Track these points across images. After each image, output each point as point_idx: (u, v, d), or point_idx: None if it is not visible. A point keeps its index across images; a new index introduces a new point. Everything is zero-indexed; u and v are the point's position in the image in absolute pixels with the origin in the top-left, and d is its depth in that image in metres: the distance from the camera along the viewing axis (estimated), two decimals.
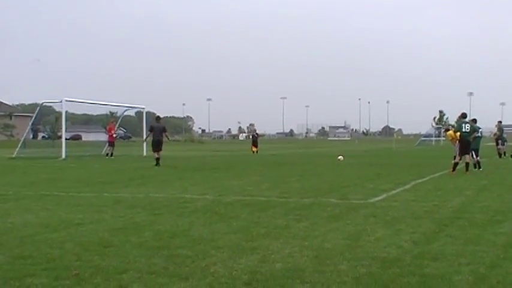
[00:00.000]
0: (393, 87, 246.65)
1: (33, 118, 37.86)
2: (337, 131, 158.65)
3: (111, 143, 31.07)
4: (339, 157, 27.25)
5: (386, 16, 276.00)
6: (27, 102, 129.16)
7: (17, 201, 10.90)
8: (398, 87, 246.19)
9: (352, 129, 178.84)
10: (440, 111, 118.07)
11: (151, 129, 23.55)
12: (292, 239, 6.99)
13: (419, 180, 15.05)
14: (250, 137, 48.50)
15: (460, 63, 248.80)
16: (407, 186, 13.45)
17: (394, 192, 12.27)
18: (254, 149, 37.94)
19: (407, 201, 10.69)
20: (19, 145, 32.25)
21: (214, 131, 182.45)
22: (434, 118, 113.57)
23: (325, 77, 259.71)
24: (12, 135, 61.75)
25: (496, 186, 13.70)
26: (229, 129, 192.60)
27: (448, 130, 26.50)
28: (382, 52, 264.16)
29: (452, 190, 12.58)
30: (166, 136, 23.33)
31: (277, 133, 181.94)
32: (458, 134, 18.25)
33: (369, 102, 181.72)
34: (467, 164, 17.83)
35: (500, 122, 31.29)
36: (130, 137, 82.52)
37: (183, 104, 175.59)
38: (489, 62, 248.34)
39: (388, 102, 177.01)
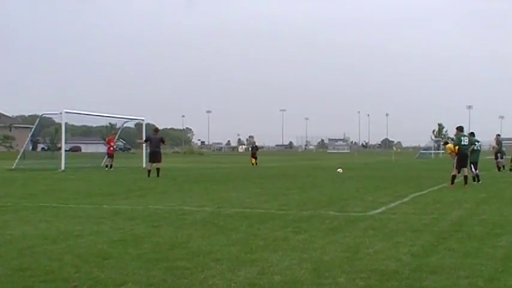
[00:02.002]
0: (392, 100, 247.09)
1: (32, 130, 37.85)
2: (336, 143, 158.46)
3: (110, 155, 31.14)
4: (338, 169, 27.29)
5: (386, 29, 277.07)
6: (27, 113, 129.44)
7: (16, 212, 10.89)
8: (397, 100, 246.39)
9: (352, 142, 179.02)
10: (439, 124, 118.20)
11: (147, 139, 24.39)
12: (291, 251, 7.00)
13: (418, 193, 15.06)
14: (250, 149, 48.52)
15: (459, 77, 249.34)
16: (406, 199, 13.46)
17: (393, 205, 12.28)
18: (253, 160, 38.00)
19: (406, 214, 10.70)
20: (18, 156, 32.23)
21: (214, 143, 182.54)
22: (434, 131, 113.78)
23: (325, 90, 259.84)
24: (11, 147, 61.79)
25: (495, 199, 13.72)
26: (229, 141, 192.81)
27: (447, 143, 26.55)
28: (381, 65, 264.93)
29: (451, 203, 12.59)
30: (163, 142, 23.78)
31: (277, 145, 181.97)
32: (457, 147, 18.27)
33: (368, 115, 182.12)
34: (465, 177, 17.84)
35: (498, 135, 31.36)
36: (129, 149, 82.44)
37: (183, 116, 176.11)
38: (489, 76, 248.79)
39: (387, 115, 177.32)
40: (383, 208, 11.61)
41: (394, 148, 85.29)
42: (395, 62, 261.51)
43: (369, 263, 6.30)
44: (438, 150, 72.23)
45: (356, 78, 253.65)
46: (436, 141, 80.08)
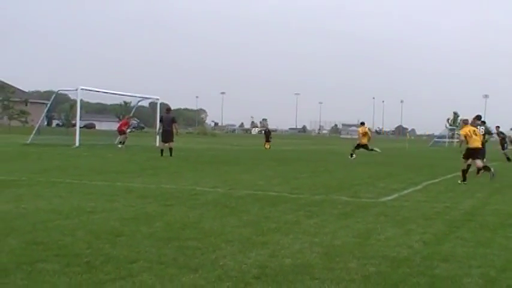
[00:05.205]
0: (408, 87, 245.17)
1: (48, 105, 38.04)
2: (350, 128, 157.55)
3: (121, 132, 30.57)
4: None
5: (402, 15, 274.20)
6: (42, 89, 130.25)
7: (30, 187, 10.99)
8: (412, 87, 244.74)
9: None
10: (455, 113, 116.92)
11: (161, 119, 24.19)
12: (302, 235, 7.00)
13: (431, 181, 14.98)
14: (263, 132, 48.09)
15: (476, 65, 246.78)
16: (418, 187, 13.39)
17: (405, 192, 12.23)
18: (267, 145, 37.26)
19: (418, 201, 10.65)
20: (33, 132, 32.49)
21: (227, 125, 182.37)
22: (448, 119, 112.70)
23: (340, 75, 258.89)
24: (26, 122, 62.20)
25: (508, 189, 13.61)
26: (242, 123, 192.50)
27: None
28: (397, 51, 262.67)
29: (464, 192, 12.52)
30: (175, 127, 23.38)
31: (290, 129, 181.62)
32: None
33: (383, 101, 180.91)
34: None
35: (498, 127, 31.12)
36: (143, 128, 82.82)
37: (197, 97, 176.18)
38: (506, 65, 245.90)
39: (402, 101, 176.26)
40: (395, 195, 11.56)
41: (408, 135, 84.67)
42: (412, 49, 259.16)
43: (380, 249, 6.29)
44: (452, 138, 71.70)
45: (371, 64, 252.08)
46: (450, 130, 79.40)
